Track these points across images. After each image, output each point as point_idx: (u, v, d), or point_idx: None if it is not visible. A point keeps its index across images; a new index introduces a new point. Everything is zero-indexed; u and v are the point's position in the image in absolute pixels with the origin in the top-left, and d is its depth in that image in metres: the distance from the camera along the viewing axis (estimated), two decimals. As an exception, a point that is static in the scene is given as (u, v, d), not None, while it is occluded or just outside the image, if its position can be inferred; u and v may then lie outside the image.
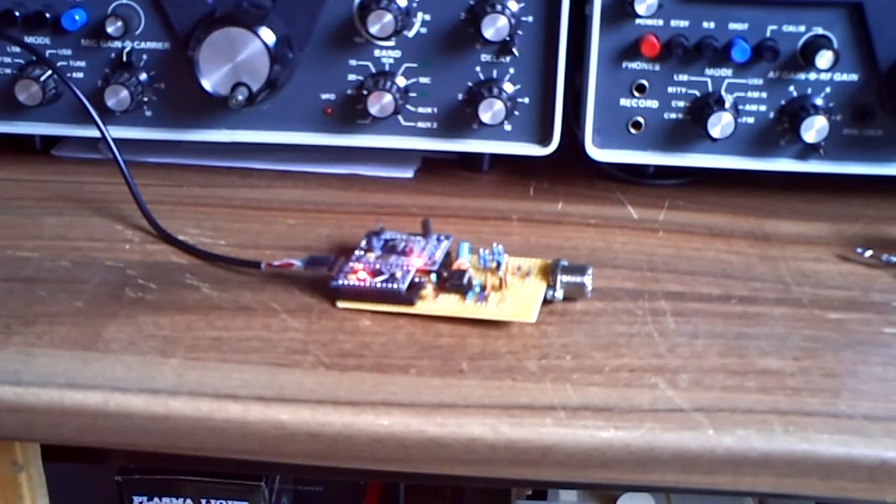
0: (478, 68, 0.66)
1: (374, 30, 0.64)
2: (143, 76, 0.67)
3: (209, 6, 0.65)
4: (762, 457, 0.46)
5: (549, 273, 0.56)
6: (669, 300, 0.56)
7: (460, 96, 0.67)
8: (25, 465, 0.58)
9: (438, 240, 0.58)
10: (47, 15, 0.66)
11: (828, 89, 0.65)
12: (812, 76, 0.64)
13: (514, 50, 0.65)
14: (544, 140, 0.67)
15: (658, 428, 0.47)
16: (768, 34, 0.64)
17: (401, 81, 0.66)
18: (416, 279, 0.55)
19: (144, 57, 0.67)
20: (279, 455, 0.49)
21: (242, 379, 0.49)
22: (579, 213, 0.66)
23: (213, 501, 0.69)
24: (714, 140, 0.64)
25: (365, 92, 0.66)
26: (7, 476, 0.58)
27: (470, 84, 0.66)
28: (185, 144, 0.69)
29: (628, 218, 0.65)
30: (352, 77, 0.67)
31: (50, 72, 0.66)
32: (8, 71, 0.67)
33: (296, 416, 0.48)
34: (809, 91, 0.65)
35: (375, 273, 0.55)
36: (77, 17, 0.66)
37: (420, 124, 0.67)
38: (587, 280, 0.56)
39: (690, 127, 0.66)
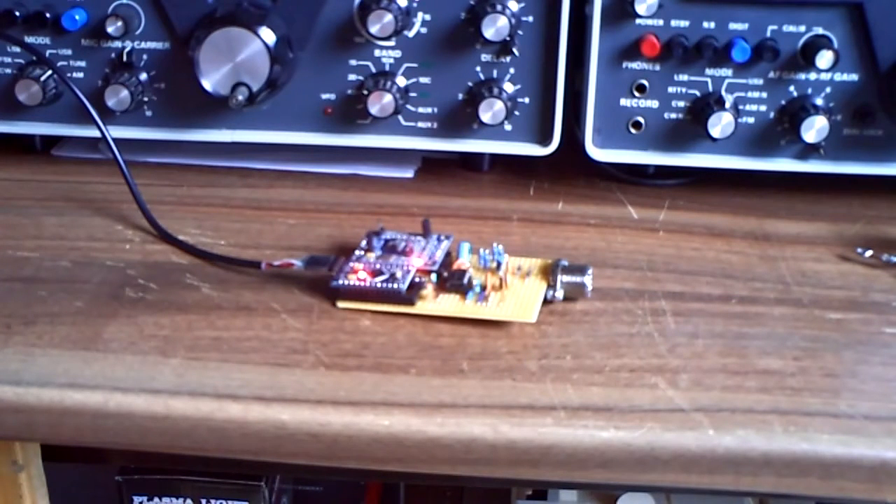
0: (478, 68, 0.66)
1: (374, 30, 0.64)
2: (144, 76, 0.67)
3: (209, 6, 0.65)
4: (762, 457, 0.46)
5: (549, 273, 0.56)
6: (670, 300, 0.56)
7: (460, 96, 0.67)
8: (25, 465, 0.58)
9: (439, 240, 0.58)
10: (47, 15, 0.66)
11: (828, 89, 0.65)
12: (812, 76, 0.64)
13: (515, 50, 0.65)
14: (544, 140, 0.67)
15: (658, 428, 0.47)
16: (768, 34, 0.64)
17: (401, 81, 0.66)
18: (417, 279, 0.55)
19: (144, 57, 0.67)
20: (279, 455, 0.49)
21: (243, 379, 0.49)
22: (579, 213, 0.66)
23: (213, 501, 0.69)
24: (714, 140, 0.64)
25: (365, 92, 0.66)
26: (7, 476, 0.58)
27: (470, 84, 0.66)
28: (185, 144, 0.69)
29: (628, 218, 0.65)
30: (352, 77, 0.67)
31: (50, 72, 0.66)
32: (8, 71, 0.67)
33: (296, 416, 0.48)
34: (809, 91, 0.65)
35: (376, 273, 0.55)
36: (77, 17, 0.66)
37: (420, 124, 0.67)
38: (587, 280, 0.56)
39: (690, 127, 0.66)
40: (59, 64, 0.67)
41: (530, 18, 0.65)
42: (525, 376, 0.50)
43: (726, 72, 0.64)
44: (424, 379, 0.50)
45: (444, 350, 0.52)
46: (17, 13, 0.66)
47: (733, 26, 0.64)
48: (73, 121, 0.68)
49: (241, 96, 0.63)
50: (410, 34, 0.66)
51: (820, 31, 0.63)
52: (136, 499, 0.69)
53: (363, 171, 0.70)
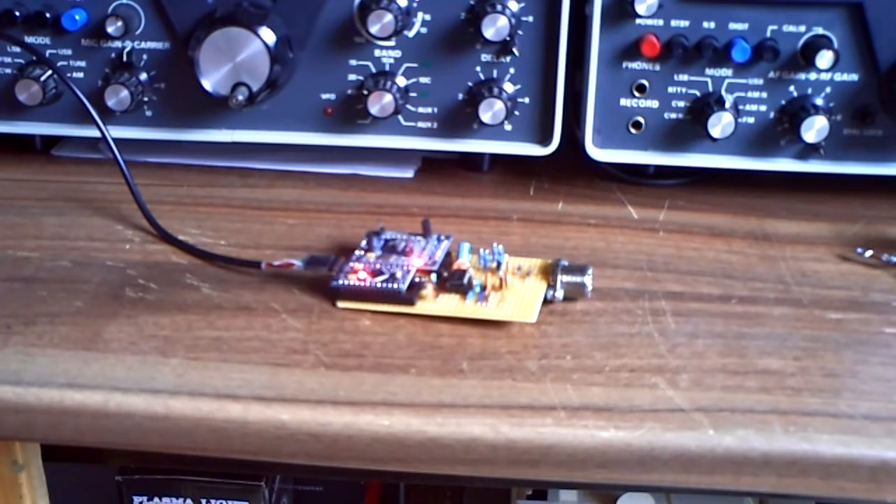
0: (478, 68, 0.66)
1: (374, 30, 0.64)
2: (143, 76, 0.67)
3: (209, 6, 0.65)
4: (762, 457, 0.46)
5: (549, 273, 0.56)
6: (669, 300, 0.56)
7: (460, 96, 0.67)
8: (25, 465, 0.58)
9: (439, 240, 0.58)
10: (47, 15, 0.66)
11: (828, 89, 0.65)
12: (812, 76, 0.64)
13: (515, 50, 0.65)
14: (544, 140, 0.67)
15: (658, 428, 0.47)
16: (768, 34, 0.64)
17: (401, 81, 0.66)
18: (417, 279, 0.55)
19: (144, 57, 0.67)
20: (279, 455, 0.49)
21: (243, 379, 0.49)
22: (579, 213, 0.66)
23: (213, 501, 0.69)
24: (714, 140, 0.64)
25: (365, 92, 0.66)
26: (7, 476, 0.58)
27: (470, 84, 0.66)
28: (185, 144, 0.69)
29: (628, 218, 0.65)
30: (352, 77, 0.67)
31: (50, 72, 0.66)
32: (8, 71, 0.67)
33: (296, 416, 0.48)
34: (809, 91, 0.65)
35: (376, 273, 0.55)
36: (77, 17, 0.66)
37: (420, 124, 0.67)
38: (587, 280, 0.56)
39: (690, 127, 0.66)
40: (59, 64, 0.67)
41: (530, 18, 0.65)
42: (525, 376, 0.50)
43: (726, 72, 0.64)
44: (424, 379, 0.50)
45: (444, 350, 0.52)
46: (17, 13, 0.66)
47: (733, 26, 0.64)
48: (73, 121, 0.68)
49: (241, 96, 0.63)
50: (410, 34, 0.66)
51: (820, 31, 0.63)
52: (136, 499, 0.69)
53: (363, 171, 0.70)
